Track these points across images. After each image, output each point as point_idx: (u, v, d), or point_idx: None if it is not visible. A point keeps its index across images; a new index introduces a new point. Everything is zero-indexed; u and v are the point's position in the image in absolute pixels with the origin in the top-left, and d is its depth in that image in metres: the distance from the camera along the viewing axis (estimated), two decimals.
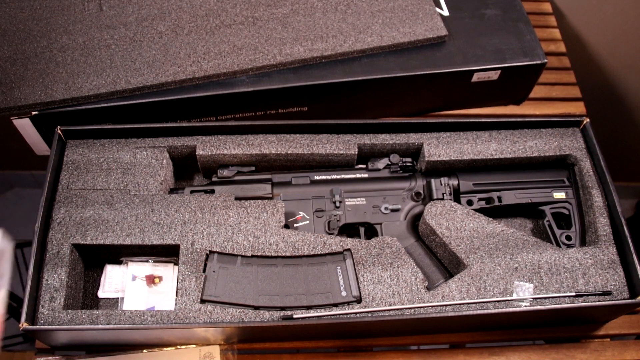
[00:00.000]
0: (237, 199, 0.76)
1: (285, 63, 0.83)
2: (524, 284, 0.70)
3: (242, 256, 0.71)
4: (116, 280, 0.74)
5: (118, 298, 0.73)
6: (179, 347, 0.73)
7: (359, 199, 0.80)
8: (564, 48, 1.08)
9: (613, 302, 0.69)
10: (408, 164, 0.82)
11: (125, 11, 0.87)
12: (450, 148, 0.80)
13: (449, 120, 0.81)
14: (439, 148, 0.80)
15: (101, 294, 0.74)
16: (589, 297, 0.70)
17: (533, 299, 0.69)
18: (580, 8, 1.13)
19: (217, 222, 0.72)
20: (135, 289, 0.73)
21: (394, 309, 0.68)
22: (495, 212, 0.81)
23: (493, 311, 0.67)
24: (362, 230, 0.79)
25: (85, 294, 0.75)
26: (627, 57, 1.13)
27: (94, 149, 0.78)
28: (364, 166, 0.82)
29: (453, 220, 0.75)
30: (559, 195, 0.81)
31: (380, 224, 0.79)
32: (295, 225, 0.77)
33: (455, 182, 0.81)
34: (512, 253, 0.73)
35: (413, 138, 0.81)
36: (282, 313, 0.67)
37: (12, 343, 1.25)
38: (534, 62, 0.88)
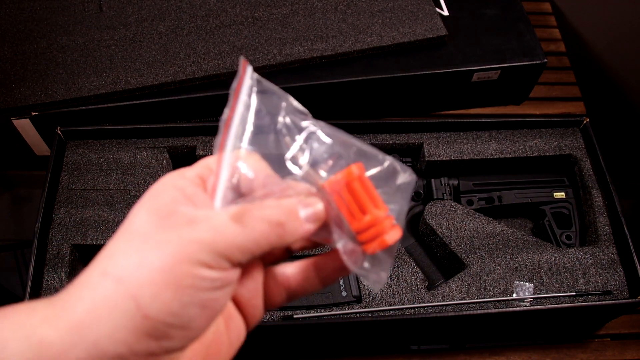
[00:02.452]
0: None
1: (285, 63, 0.83)
2: (524, 283, 0.70)
3: None
4: None
5: None
6: None
7: None
8: (564, 48, 1.08)
9: (613, 301, 0.69)
10: (408, 163, 0.82)
11: (125, 12, 0.87)
12: (450, 148, 0.80)
13: (449, 120, 0.81)
14: (439, 148, 0.80)
15: None
16: (589, 296, 0.70)
17: (533, 298, 0.69)
18: (580, 8, 1.13)
19: None
20: None
21: (394, 309, 0.68)
22: (495, 212, 0.81)
23: (493, 311, 0.67)
24: None
25: None
26: (627, 56, 1.13)
27: (94, 149, 0.78)
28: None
29: (453, 220, 0.75)
30: (559, 195, 0.81)
31: None
32: None
33: (455, 182, 0.81)
34: (512, 253, 0.73)
35: (413, 138, 0.81)
36: (282, 313, 0.67)
37: None
38: (534, 62, 0.88)
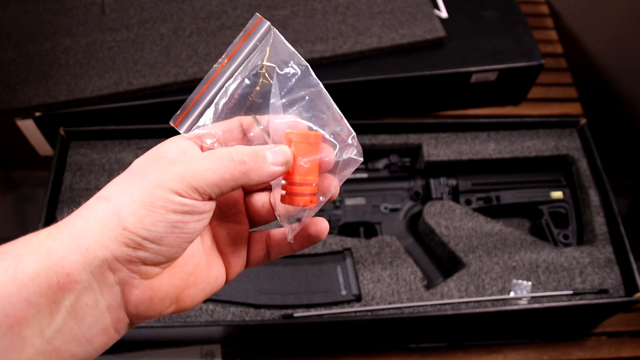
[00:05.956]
0: None
1: None
2: (521, 282, 0.71)
3: None
4: None
5: None
6: (180, 345, 0.74)
7: (358, 199, 0.81)
8: (561, 49, 1.09)
9: (609, 300, 0.70)
10: (407, 164, 0.83)
11: (127, 14, 0.88)
12: (449, 148, 0.81)
13: (448, 121, 0.82)
14: (438, 148, 0.81)
15: None
16: (586, 295, 0.71)
17: (531, 297, 0.70)
18: (576, 10, 1.14)
19: None
20: None
21: (393, 308, 0.69)
22: (493, 211, 0.82)
23: (491, 309, 0.68)
24: (362, 229, 0.80)
25: None
26: (623, 58, 1.14)
27: (97, 149, 0.79)
28: (363, 166, 0.83)
29: (452, 220, 0.76)
30: (557, 194, 0.82)
31: (380, 223, 0.80)
32: None
33: (454, 182, 0.82)
34: (510, 252, 0.73)
35: (412, 138, 0.82)
36: (283, 312, 0.68)
37: None
38: (532, 64, 0.89)
